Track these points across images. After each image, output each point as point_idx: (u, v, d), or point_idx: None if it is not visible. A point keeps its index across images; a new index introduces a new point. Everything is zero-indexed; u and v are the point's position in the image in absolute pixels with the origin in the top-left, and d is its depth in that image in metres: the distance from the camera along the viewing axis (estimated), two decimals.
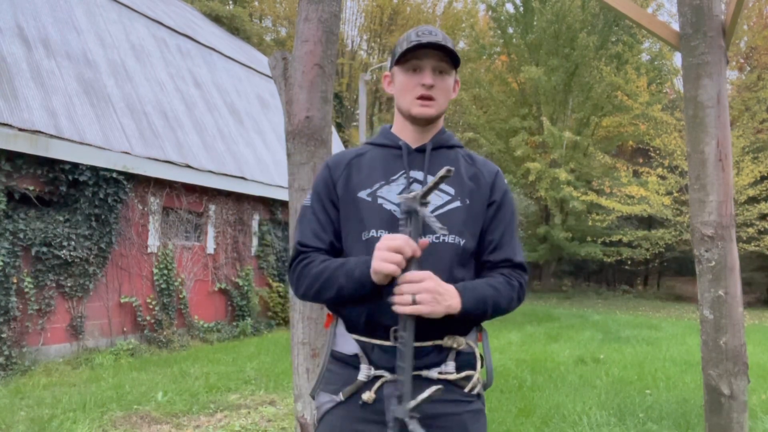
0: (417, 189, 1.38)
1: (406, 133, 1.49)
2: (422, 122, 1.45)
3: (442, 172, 1.22)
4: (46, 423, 4.21)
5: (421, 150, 1.47)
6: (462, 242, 1.39)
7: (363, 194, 1.41)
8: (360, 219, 1.39)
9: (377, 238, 1.34)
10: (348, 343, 1.39)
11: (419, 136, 1.48)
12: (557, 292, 22.96)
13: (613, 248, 20.35)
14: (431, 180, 1.26)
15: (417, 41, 1.38)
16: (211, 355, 7.24)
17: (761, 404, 5.01)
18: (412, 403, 1.25)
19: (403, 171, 1.43)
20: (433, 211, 1.39)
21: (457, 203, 1.41)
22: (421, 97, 1.41)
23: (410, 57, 1.40)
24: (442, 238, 1.36)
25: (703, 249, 2.21)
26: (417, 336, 1.31)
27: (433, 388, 1.27)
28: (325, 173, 1.48)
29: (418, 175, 1.43)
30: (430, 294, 1.23)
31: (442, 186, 1.41)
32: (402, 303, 1.23)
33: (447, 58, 1.41)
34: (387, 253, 1.22)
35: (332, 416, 1.37)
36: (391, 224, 1.36)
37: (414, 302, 1.22)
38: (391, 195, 1.40)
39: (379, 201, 1.39)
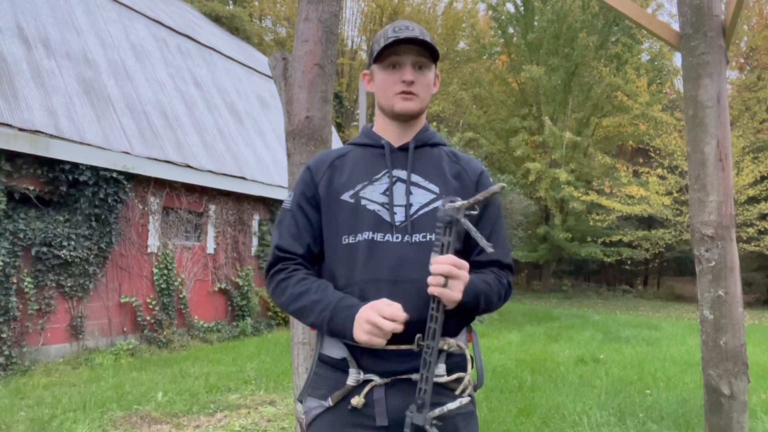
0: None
1: (388, 132, 1.47)
2: (405, 118, 1.43)
3: (495, 188, 1.23)
4: (46, 423, 4.21)
5: (403, 148, 1.45)
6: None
7: (346, 196, 1.39)
8: (342, 223, 1.37)
9: (359, 243, 1.33)
10: (336, 347, 1.36)
11: (402, 134, 1.46)
12: (557, 292, 22.96)
13: (613, 248, 20.38)
14: (481, 194, 1.25)
15: (395, 37, 1.35)
16: (211, 355, 7.24)
17: (761, 404, 5.01)
18: (436, 412, 1.27)
19: (386, 170, 1.41)
20: (417, 210, 1.37)
21: (441, 201, 1.39)
22: (402, 93, 1.39)
23: (389, 54, 1.38)
24: (428, 237, 1.34)
25: (703, 249, 2.20)
26: (407, 339, 1.30)
27: (464, 400, 1.30)
28: (306, 175, 1.46)
29: (401, 174, 1.41)
30: (463, 283, 1.24)
31: (426, 184, 1.41)
32: (435, 283, 1.22)
33: (426, 52, 1.38)
34: (376, 329, 1.21)
35: (321, 422, 1.35)
36: (376, 224, 1.35)
37: (445, 285, 1.22)
38: (375, 195, 1.38)
39: (363, 202, 1.37)
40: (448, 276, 1.21)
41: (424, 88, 1.42)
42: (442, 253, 1.24)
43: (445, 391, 1.35)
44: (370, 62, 1.47)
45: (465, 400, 1.30)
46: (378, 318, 1.21)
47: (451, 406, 1.29)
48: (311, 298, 1.32)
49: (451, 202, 1.25)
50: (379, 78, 1.43)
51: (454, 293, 1.23)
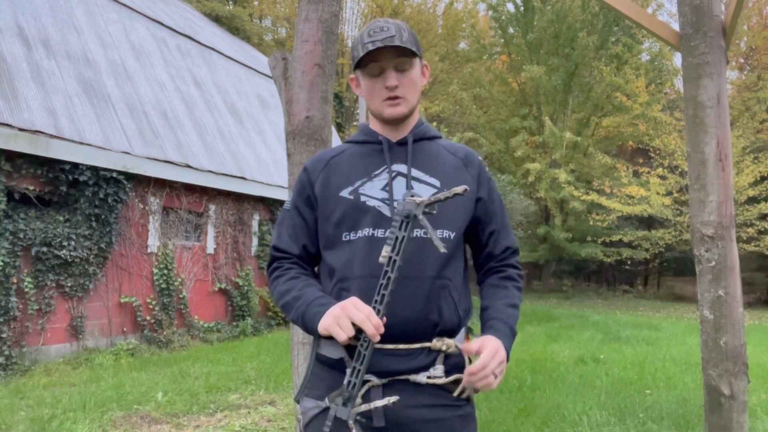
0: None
1: (383, 130, 1.47)
2: (397, 121, 1.44)
3: (458, 189, 1.21)
4: (46, 423, 4.21)
5: (402, 143, 1.45)
6: (452, 235, 1.38)
7: (345, 193, 1.39)
8: (341, 220, 1.37)
9: (359, 240, 1.33)
10: (333, 347, 1.35)
11: (398, 131, 1.46)
12: (557, 292, 22.95)
13: (613, 248, 20.37)
14: (443, 193, 1.24)
15: (371, 42, 1.34)
16: (211, 355, 7.24)
17: (761, 404, 5.01)
18: (363, 408, 1.24)
19: (385, 165, 1.41)
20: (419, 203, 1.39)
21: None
22: (388, 99, 1.39)
23: (368, 61, 1.38)
24: (430, 233, 1.34)
25: (703, 249, 2.20)
26: (405, 338, 1.29)
27: (392, 399, 1.25)
28: (303, 176, 1.47)
29: (401, 168, 1.41)
30: (503, 365, 1.28)
31: (427, 178, 1.40)
32: (487, 384, 1.26)
33: (406, 51, 1.37)
34: (346, 321, 1.18)
35: (319, 422, 1.34)
36: (377, 221, 1.34)
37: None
38: (374, 191, 1.38)
39: (362, 198, 1.37)
40: (495, 374, 1.25)
41: (410, 89, 1.41)
42: (394, 248, 1.21)
43: (443, 393, 1.34)
44: (353, 67, 1.46)
45: (394, 398, 1.26)
46: (351, 307, 1.19)
47: (378, 403, 1.25)
48: (293, 295, 1.35)
49: (412, 196, 1.24)
50: (364, 84, 1.44)
51: (500, 379, 1.29)
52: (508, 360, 1.31)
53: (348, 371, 1.22)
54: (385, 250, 1.21)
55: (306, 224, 1.45)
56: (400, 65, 1.38)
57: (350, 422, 1.20)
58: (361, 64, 1.39)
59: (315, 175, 1.45)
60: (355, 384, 1.19)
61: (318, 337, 1.38)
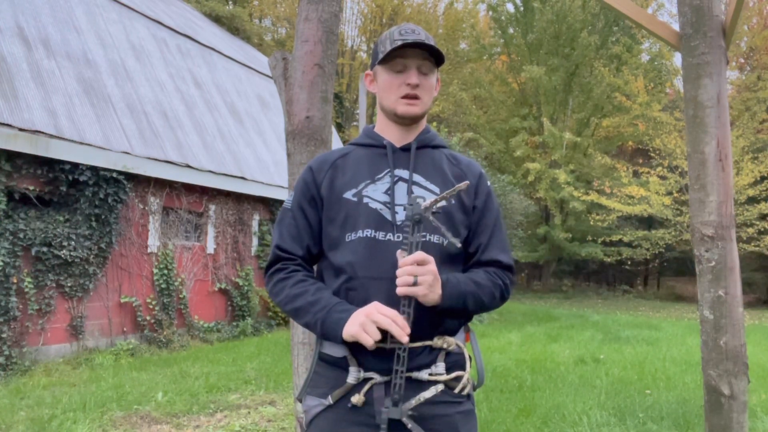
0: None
1: (390, 133, 1.48)
2: (407, 121, 1.45)
3: (461, 186, 1.25)
4: (46, 423, 4.21)
5: (405, 149, 1.46)
6: (446, 242, 1.39)
7: (348, 195, 1.40)
8: (345, 221, 1.38)
9: (360, 240, 1.34)
10: (336, 345, 1.36)
11: (403, 135, 1.47)
12: (557, 292, 22.96)
13: (613, 248, 20.38)
14: (447, 192, 1.29)
15: (402, 40, 1.37)
16: (211, 355, 7.24)
17: (761, 404, 5.01)
18: (413, 402, 1.28)
19: (388, 169, 1.42)
20: None
21: (443, 203, 1.40)
22: (406, 96, 1.40)
23: (395, 56, 1.40)
24: (428, 236, 1.36)
25: (703, 249, 2.20)
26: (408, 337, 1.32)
27: (438, 388, 1.30)
28: (308, 175, 1.47)
29: (403, 173, 1.42)
30: (432, 277, 1.25)
31: (427, 184, 1.42)
32: (404, 283, 1.23)
33: (431, 57, 1.40)
34: (373, 327, 1.22)
35: (321, 420, 1.36)
36: (378, 222, 1.36)
37: (415, 284, 1.23)
38: (377, 193, 1.39)
39: (365, 200, 1.39)
40: (414, 275, 1.23)
41: (427, 92, 1.43)
42: (410, 252, 1.25)
43: (445, 390, 1.36)
44: (373, 63, 1.47)
45: (440, 387, 1.32)
46: (375, 312, 1.23)
47: (427, 394, 1.31)
48: (308, 299, 1.35)
49: (418, 200, 1.28)
50: (382, 80, 1.44)
51: (428, 292, 1.25)
52: (446, 304, 1.29)
53: (391, 374, 1.27)
54: (402, 256, 1.26)
55: (309, 225, 1.45)
56: (423, 68, 1.41)
57: (404, 419, 1.26)
58: (386, 59, 1.40)
59: (321, 176, 1.45)
60: (400, 386, 1.25)
61: (325, 338, 1.40)
